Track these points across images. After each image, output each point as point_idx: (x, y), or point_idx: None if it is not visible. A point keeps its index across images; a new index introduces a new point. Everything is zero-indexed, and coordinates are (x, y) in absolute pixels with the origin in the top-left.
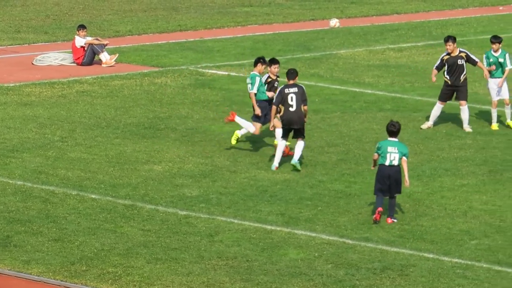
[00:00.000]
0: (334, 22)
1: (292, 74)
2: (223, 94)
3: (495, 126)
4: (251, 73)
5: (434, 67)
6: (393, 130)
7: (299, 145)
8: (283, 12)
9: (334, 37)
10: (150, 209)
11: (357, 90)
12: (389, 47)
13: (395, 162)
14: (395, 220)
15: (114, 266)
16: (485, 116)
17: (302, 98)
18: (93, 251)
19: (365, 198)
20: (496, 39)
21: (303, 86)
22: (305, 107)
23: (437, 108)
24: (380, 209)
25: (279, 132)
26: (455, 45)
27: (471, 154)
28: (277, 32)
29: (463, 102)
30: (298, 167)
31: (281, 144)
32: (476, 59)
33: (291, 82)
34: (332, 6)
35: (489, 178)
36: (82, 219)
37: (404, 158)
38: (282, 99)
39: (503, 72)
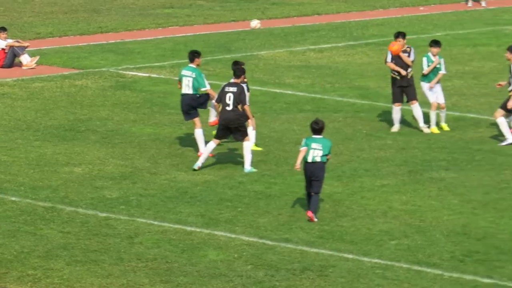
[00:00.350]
0: (255, 23)
1: (236, 72)
2: (143, 96)
3: (435, 129)
4: (191, 66)
5: (389, 60)
6: (315, 127)
7: (245, 148)
8: (204, 14)
9: (254, 38)
10: (70, 211)
11: (278, 91)
12: (309, 48)
13: (318, 159)
14: (315, 219)
15: (34, 269)
16: (405, 117)
17: (238, 98)
18: (13, 253)
19: (285, 199)
20: (437, 44)
21: (243, 86)
22: (245, 107)
23: (396, 112)
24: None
25: (199, 132)
26: (405, 41)
27: (391, 155)
28: (197, 33)
29: (414, 101)
30: (253, 170)
31: (211, 144)
32: (413, 59)
33: (234, 81)
34: (253, 7)
35: (409, 178)
36: (2, 222)
37: (328, 155)
38: (222, 97)
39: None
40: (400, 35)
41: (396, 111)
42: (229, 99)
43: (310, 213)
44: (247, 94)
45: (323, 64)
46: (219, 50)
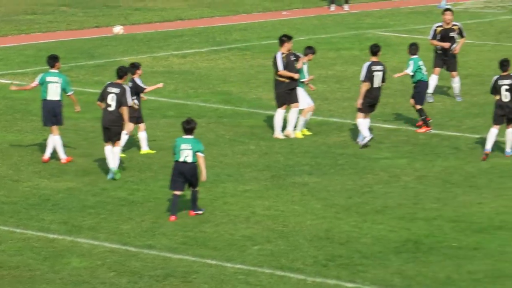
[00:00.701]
0: (118, 29)
1: (118, 72)
2: (6, 103)
3: (299, 134)
4: (55, 72)
5: (282, 68)
6: (186, 127)
7: (114, 152)
8: (66, 20)
9: (118, 44)
10: None
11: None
12: (173, 53)
13: (189, 159)
14: (199, 212)
15: None
16: (268, 122)
17: (120, 99)
18: None
19: (148, 205)
20: (312, 50)
21: (126, 87)
22: (123, 108)
23: (282, 115)
24: (173, 218)
25: (57, 139)
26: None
27: (254, 160)
28: (60, 39)
29: (297, 103)
30: (117, 176)
31: (107, 149)
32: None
33: (117, 81)
34: (116, 13)
35: (271, 183)
36: None
37: (199, 154)
38: (104, 97)
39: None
40: (290, 37)
41: (282, 115)
42: (112, 99)
43: (192, 212)
44: (129, 95)
45: (186, 69)
46: (82, 57)
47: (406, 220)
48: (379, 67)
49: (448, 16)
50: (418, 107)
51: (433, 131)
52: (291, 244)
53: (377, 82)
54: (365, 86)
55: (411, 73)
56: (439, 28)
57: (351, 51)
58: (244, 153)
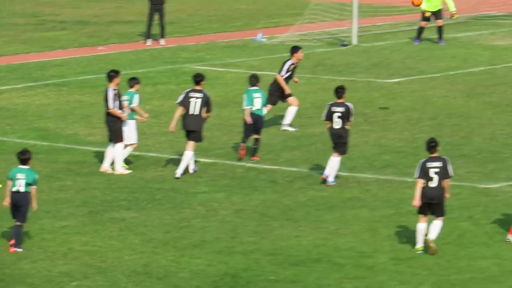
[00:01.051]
0: None
1: None
2: None
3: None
4: None
5: (113, 106)
6: (20, 157)
7: None
8: None
9: None
10: None
11: None
12: None
13: (22, 189)
14: (19, 250)
15: None
16: (85, 158)
17: None
18: None
19: None
20: (136, 80)
21: None
22: None
23: (121, 149)
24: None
25: None
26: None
27: (71, 196)
28: None
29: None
30: None
31: None
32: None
33: None
34: None
35: (89, 219)
36: None
37: (32, 186)
38: None
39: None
40: (116, 73)
41: (122, 148)
42: None
43: (12, 249)
44: None
45: (2, 106)
46: None
47: (224, 254)
48: (197, 95)
49: (302, 54)
50: (255, 136)
51: (249, 165)
52: (109, 280)
53: (192, 109)
54: (178, 110)
55: (246, 107)
56: (292, 66)
57: (168, 86)
58: (61, 189)
